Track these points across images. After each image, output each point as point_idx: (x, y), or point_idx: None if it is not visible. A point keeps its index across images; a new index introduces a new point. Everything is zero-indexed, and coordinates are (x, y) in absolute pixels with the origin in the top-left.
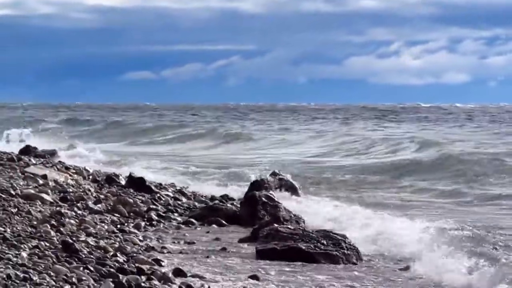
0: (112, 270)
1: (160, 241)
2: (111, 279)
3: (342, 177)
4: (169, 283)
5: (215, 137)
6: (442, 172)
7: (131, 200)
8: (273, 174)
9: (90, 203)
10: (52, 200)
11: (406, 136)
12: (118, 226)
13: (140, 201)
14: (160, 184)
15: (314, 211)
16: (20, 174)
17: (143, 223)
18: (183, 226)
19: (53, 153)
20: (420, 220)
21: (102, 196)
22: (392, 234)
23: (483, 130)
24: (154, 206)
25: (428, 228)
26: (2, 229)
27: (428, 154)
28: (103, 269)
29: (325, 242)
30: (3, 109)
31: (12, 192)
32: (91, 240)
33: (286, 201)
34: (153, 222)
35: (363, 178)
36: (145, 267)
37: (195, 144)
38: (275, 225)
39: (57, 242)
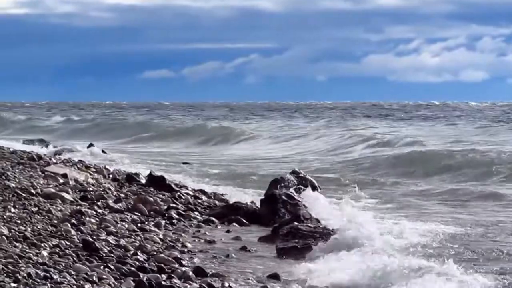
0: (132, 268)
1: (181, 239)
2: (131, 278)
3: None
4: (190, 282)
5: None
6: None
7: (151, 199)
8: (293, 172)
9: (110, 202)
10: (72, 199)
11: (377, 135)
12: (139, 224)
13: (160, 199)
14: (180, 182)
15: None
16: (40, 173)
17: (163, 222)
18: (203, 224)
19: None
20: None
21: (122, 195)
22: None
23: (476, 129)
24: (174, 205)
25: None
26: (23, 228)
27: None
28: (124, 267)
29: None
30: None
31: (33, 191)
32: (111, 239)
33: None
34: (173, 221)
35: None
36: (165, 265)
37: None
38: (296, 223)
39: (78, 241)
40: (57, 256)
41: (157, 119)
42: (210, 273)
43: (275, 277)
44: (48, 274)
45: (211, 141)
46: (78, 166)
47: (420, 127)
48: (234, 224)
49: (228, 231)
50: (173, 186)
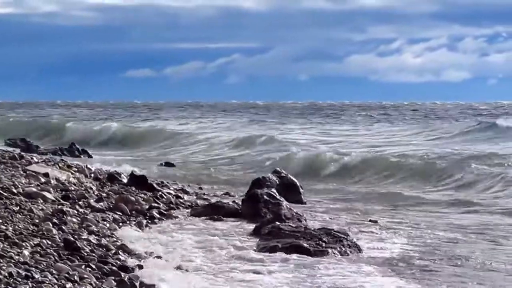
0: (114, 268)
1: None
2: (113, 277)
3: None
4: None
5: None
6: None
7: (133, 198)
8: (275, 172)
9: (92, 201)
10: (54, 198)
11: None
12: (120, 224)
13: (142, 199)
14: (162, 182)
15: None
16: (22, 172)
17: (144, 221)
18: (184, 223)
19: (55, 151)
20: None
21: (104, 194)
22: None
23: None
24: (156, 204)
25: None
26: (4, 227)
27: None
28: (105, 267)
29: (326, 240)
30: None
31: (14, 190)
32: (93, 238)
33: None
34: (155, 220)
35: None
36: (146, 264)
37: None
38: (277, 223)
39: (59, 240)
40: (38, 255)
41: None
42: (192, 269)
43: (256, 272)
44: (29, 274)
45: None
46: (60, 165)
47: (338, 130)
48: (216, 222)
49: (209, 229)
50: (155, 185)
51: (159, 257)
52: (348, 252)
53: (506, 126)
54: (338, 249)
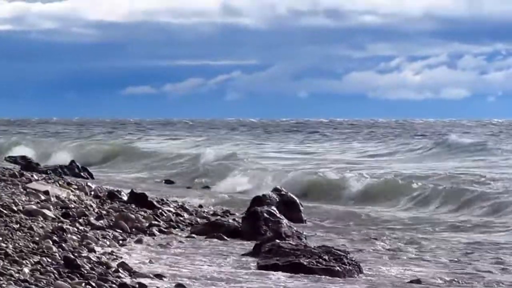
0: (114, 286)
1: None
2: None
3: None
4: None
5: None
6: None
7: (133, 216)
8: (275, 190)
9: (92, 219)
10: (54, 216)
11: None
12: (120, 241)
13: (142, 216)
14: (162, 200)
15: None
16: (22, 190)
17: (145, 239)
18: (185, 241)
19: (55, 169)
20: None
21: (104, 212)
22: None
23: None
24: (156, 222)
25: None
26: (4, 245)
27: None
28: (105, 284)
29: (326, 258)
30: None
31: (14, 208)
32: (93, 256)
33: None
34: (155, 238)
35: None
36: (147, 282)
37: None
38: (277, 240)
39: (59, 258)
40: (38, 273)
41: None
42: None
43: None
44: None
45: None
46: (60, 183)
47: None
48: (216, 240)
49: (210, 248)
50: (155, 203)
51: (158, 275)
52: (348, 271)
53: (456, 143)
54: (338, 268)
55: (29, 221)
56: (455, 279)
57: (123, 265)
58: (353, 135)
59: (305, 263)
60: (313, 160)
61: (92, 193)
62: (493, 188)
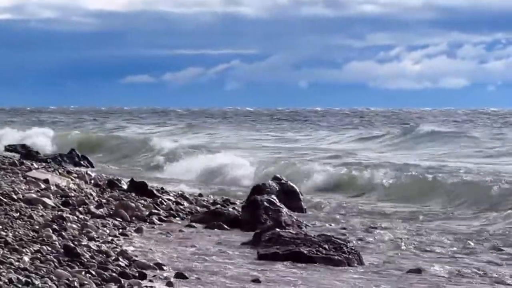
0: (114, 274)
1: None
2: (113, 283)
3: None
4: (171, 287)
5: None
6: None
7: (133, 205)
8: (275, 178)
9: (92, 208)
10: (54, 205)
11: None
12: (120, 230)
13: (142, 205)
14: (162, 188)
15: None
16: (22, 178)
17: (145, 227)
18: (185, 230)
19: (55, 157)
20: None
21: (104, 201)
22: None
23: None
24: (156, 211)
25: None
26: (4, 233)
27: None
28: (105, 273)
29: (327, 247)
30: None
31: (14, 196)
32: (93, 245)
33: None
34: (155, 226)
35: None
36: (147, 271)
37: None
38: (277, 229)
39: (59, 247)
40: (38, 261)
41: None
42: (192, 277)
43: (257, 281)
44: (29, 280)
45: None
46: (60, 171)
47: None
48: (215, 229)
49: (209, 236)
50: (155, 192)
51: (158, 264)
52: (348, 259)
53: (426, 131)
54: (337, 257)
55: (29, 210)
56: (456, 270)
57: (123, 254)
58: (326, 124)
59: (305, 251)
60: (269, 149)
61: (92, 181)
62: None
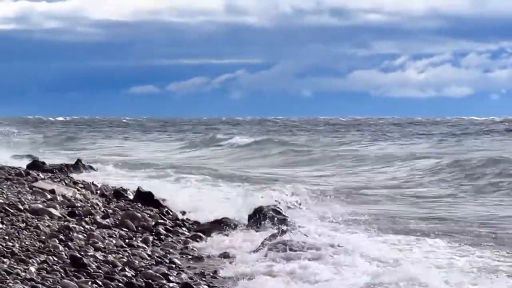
0: (120, 284)
1: (168, 255)
2: None
3: None
4: None
5: None
6: None
7: (139, 215)
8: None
9: (98, 218)
10: (60, 215)
11: None
12: (126, 240)
13: (148, 215)
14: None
15: None
16: (28, 188)
17: (151, 238)
18: (191, 240)
19: (61, 168)
20: None
21: (110, 211)
22: None
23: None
24: (162, 221)
25: None
26: (11, 243)
27: None
28: (112, 283)
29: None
30: None
31: (21, 207)
32: (99, 255)
33: None
34: (161, 237)
35: None
36: (153, 281)
37: None
38: (283, 237)
39: (66, 257)
40: (45, 272)
41: None
42: None
43: None
44: None
45: None
46: (66, 181)
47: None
48: (221, 238)
49: (215, 246)
50: (161, 202)
51: (165, 274)
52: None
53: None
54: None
55: (35, 220)
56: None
57: (129, 264)
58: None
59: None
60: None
61: (98, 191)
62: None
